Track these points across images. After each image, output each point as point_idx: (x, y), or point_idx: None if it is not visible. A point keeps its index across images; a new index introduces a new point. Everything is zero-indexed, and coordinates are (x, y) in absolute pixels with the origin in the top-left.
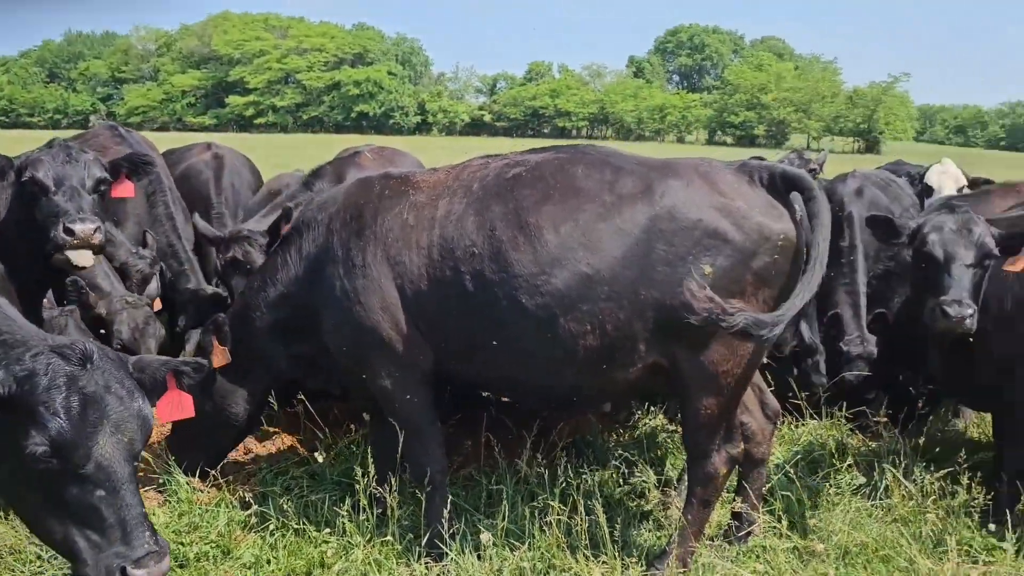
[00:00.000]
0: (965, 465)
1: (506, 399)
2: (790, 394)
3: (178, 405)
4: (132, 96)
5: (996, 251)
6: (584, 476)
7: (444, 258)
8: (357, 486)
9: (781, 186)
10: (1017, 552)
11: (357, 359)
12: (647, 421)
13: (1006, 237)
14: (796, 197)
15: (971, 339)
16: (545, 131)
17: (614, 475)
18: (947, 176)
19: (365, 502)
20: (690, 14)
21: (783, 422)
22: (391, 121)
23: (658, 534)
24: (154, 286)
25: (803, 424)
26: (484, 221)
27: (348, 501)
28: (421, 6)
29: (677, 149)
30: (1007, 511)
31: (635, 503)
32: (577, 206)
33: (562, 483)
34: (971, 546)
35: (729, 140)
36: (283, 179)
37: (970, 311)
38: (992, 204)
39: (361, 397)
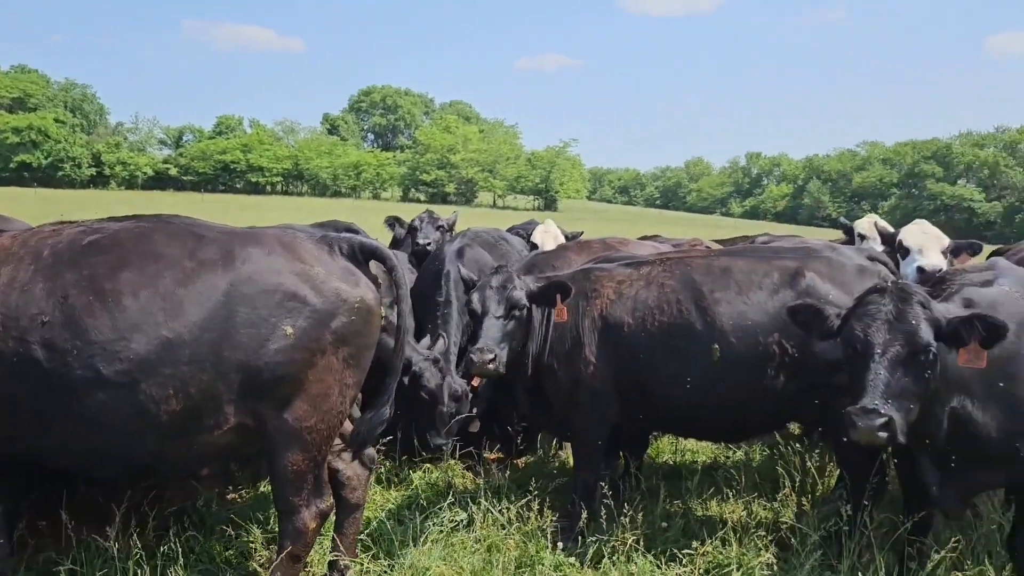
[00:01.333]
0: (548, 492)
1: (90, 471)
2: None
3: None
4: None
5: (524, 302)
6: (191, 542)
7: (6, 328)
8: None
9: (361, 256)
10: (582, 563)
11: None
12: None
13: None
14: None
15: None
16: (237, 186)
17: (219, 539)
18: (548, 235)
19: None
20: (383, 76)
21: (399, 465)
22: (60, 173)
23: None
24: None
25: (419, 467)
26: (55, 288)
27: None
28: (93, 52)
29: (373, 205)
30: (575, 530)
31: (244, 563)
32: (157, 272)
33: (164, 552)
34: (544, 564)
35: (422, 197)
36: None
37: (490, 356)
38: (568, 259)
39: None
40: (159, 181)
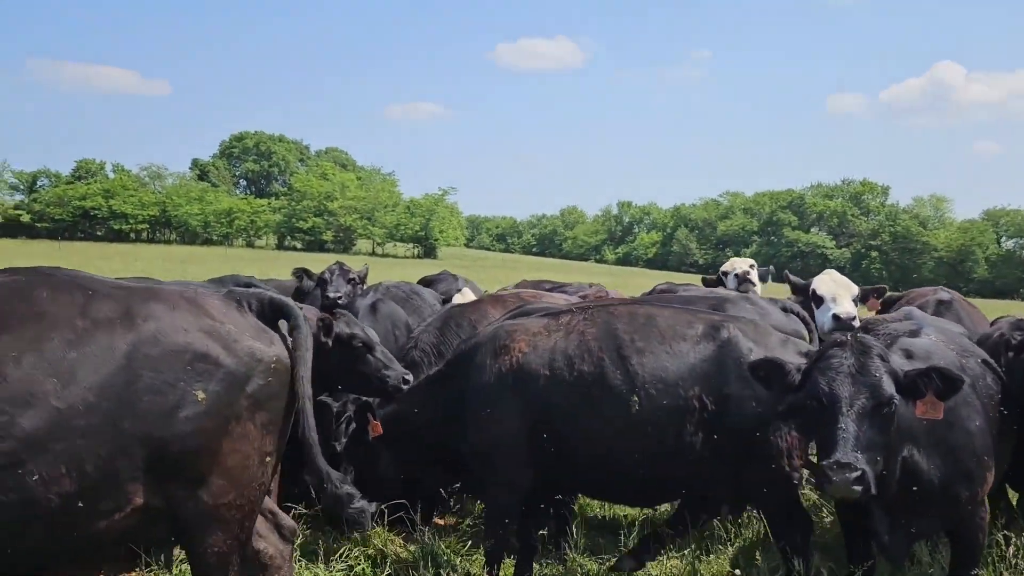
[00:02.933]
0: None
1: None
2: None
3: None
4: None
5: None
6: None
7: None
8: None
9: (269, 313)
10: None
11: None
12: None
13: None
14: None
15: None
16: (99, 233)
17: None
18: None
19: None
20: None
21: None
22: None
23: None
24: None
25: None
26: None
27: None
28: None
29: (247, 253)
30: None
31: None
32: (41, 334)
33: None
34: None
35: (299, 245)
36: None
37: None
38: (485, 312)
39: None
40: (9, 229)
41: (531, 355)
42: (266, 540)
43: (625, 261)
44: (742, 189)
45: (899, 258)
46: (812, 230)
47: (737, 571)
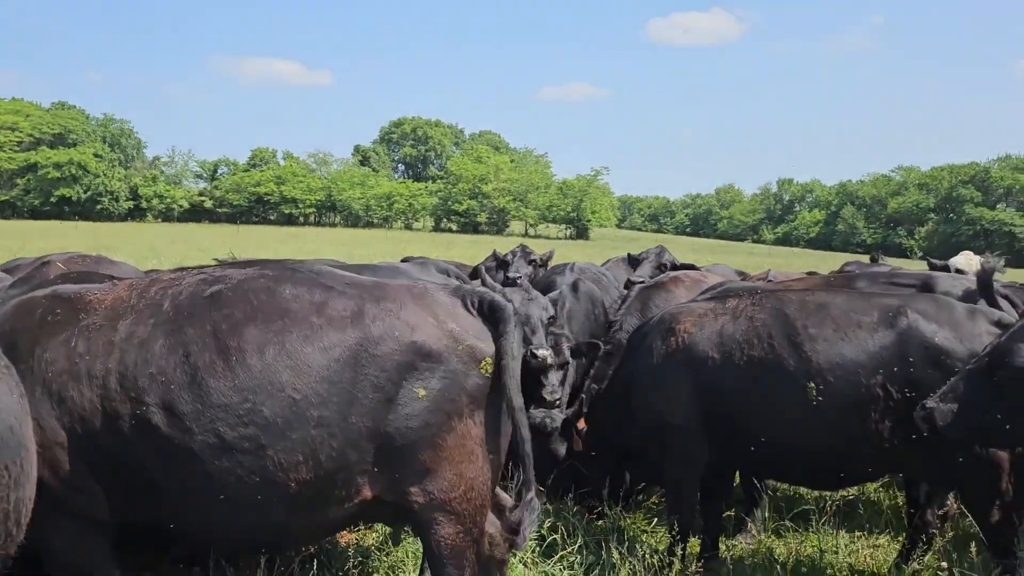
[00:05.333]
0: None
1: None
2: None
3: None
4: None
5: None
6: None
7: (124, 388)
8: None
9: (488, 312)
10: None
11: None
12: None
13: None
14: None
15: None
16: (271, 218)
17: None
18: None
19: None
20: (413, 107)
21: None
22: (98, 207)
23: None
24: None
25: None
26: (176, 345)
27: None
28: (127, 88)
29: (406, 236)
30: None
31: None
32: (283, 328)
33: None
34: None
35: (454, 227)
36: None
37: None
38: (678, 293)
39: None
40: (194, 213)
41: (697, 335)
42: (491, 523)
43: (785, 241)
44: (916, 164)
45: None
46: (999, 207)
47: (944, 564)
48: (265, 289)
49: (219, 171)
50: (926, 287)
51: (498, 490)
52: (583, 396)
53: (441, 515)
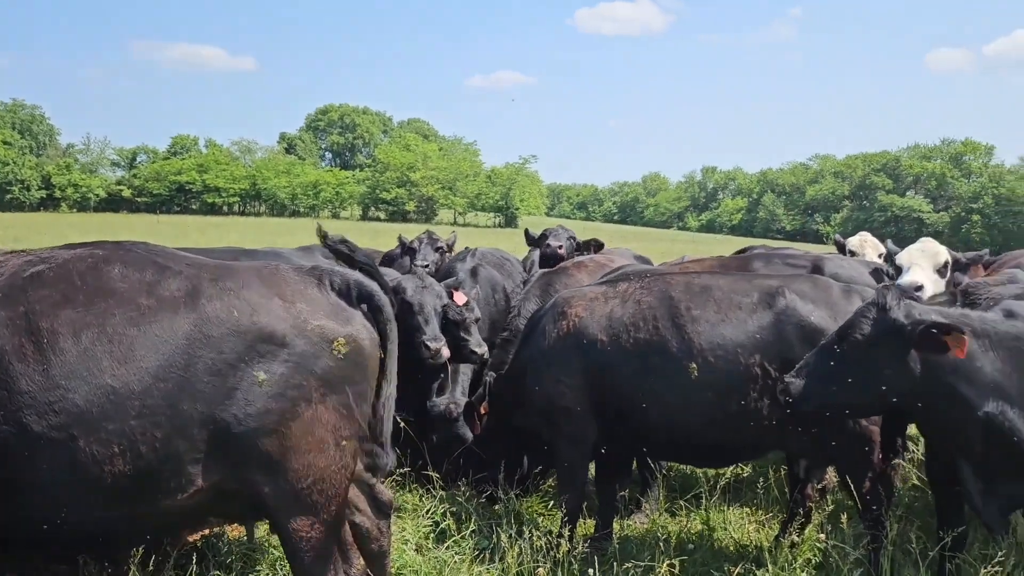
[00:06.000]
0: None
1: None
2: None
3: None
4: None
5: None
6: None
7: None
8: None
9: (355, 295)
10: None
11: None
12: None
13: None
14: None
15: None
16: (193, 207)
17: None
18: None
19: None
20: (339, 95)
21: (413, 492)
22: (8, 196)
23: None
24: None
25: (433, 496)
26: None
27: None
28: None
29: (333, 224)
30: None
31: None
32: (106, 310)
33: None
34: None
35: (382, 216)
36: None
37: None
38: (579, 278)
39: None
40: (112, 203)
41: (587, 319)
42: (363, 514)
43: (709, 228)
44: (832, 152)
45: (1002, 222)
46: (908, 194)
47: (822, 535)
48: (91, 269)
49: (138, 159)
50: (816, 268)
51: (372, 479)
52: (487, 381)
53: (291, 507)
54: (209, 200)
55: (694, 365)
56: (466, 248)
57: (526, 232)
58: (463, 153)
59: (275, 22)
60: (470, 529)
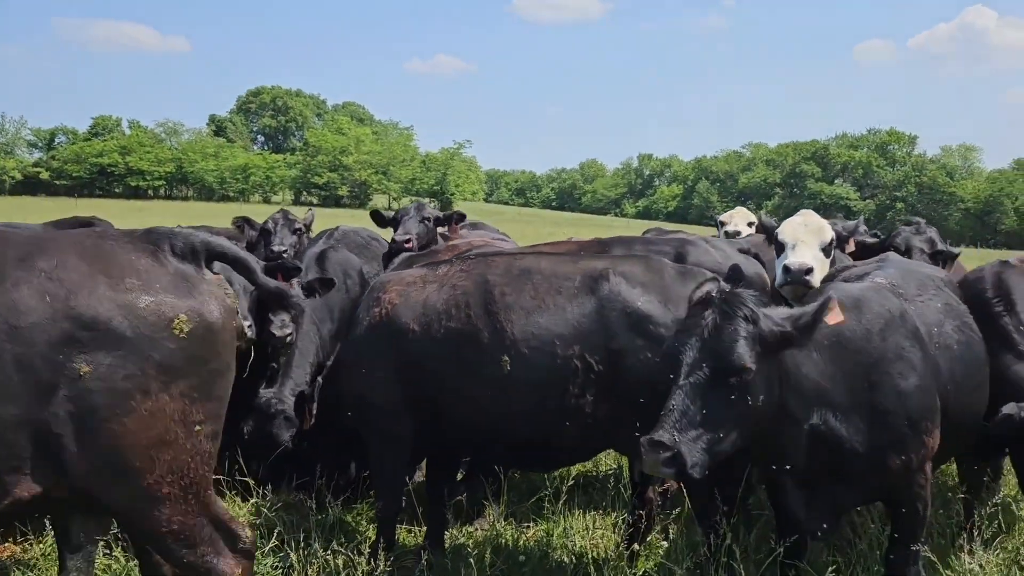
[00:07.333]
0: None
1: None
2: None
3: None
4: None
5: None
6: None
7: None
8: None
9: (203, 256)
10: None
11: None
12: None
13: None
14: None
15: None
16: (116, 190)
17: None
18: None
19: None
20: (272, 77)
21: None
22: None
23: None
24: None
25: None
26: None
27: None
28: None
29: (264, 209)
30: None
31: None
32: None
33: None
34: None
35: (315, 200)
36: None
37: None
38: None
39: None
40: (29, 186)
41: (400, 306)
42: (222, 556)
43: (646, 215)
44: (764, 140)
45: (925, 209)
46: (836, 182)
47: (665, 543)
48: None
49: (56, 140)
50: (678, 256)
51: (230, 517)
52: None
53: (142, 507)
54: (133, 183)
55: (507, 357)
56: (330, 229)
57: (373, 213)
58: (397, 137)
59: (211, 2)
60: (270, 545)
